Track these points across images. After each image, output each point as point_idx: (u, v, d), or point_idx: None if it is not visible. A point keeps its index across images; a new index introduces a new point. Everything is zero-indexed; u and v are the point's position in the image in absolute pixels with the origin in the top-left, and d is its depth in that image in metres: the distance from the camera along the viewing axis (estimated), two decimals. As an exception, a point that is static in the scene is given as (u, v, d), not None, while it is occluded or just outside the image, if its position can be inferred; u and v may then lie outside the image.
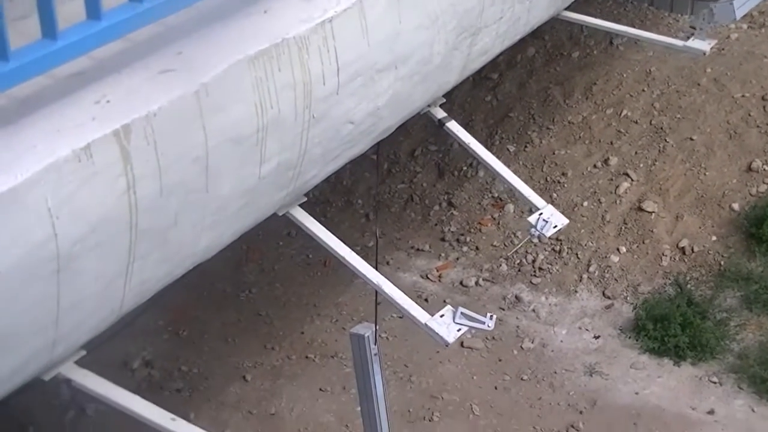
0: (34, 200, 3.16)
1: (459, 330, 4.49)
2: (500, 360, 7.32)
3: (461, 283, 7.93)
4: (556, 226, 5.22)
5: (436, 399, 7.01)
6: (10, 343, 3.31)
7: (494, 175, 6.02)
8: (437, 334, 4.45)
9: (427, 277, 7.98)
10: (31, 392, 6.80)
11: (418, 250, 8.23)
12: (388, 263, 7.94)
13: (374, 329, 4.62)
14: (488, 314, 4.53)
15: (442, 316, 4.52)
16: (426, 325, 4.50)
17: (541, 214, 5.25)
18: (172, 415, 3.61)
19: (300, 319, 7.67)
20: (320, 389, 7.06)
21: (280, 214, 4.45)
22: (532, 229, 5.31)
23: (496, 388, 7.09)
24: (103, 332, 3.75)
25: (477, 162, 8.25)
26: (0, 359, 3.30)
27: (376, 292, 4.72)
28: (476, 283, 7.93)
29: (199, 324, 7.62)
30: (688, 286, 7.55)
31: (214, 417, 6.83)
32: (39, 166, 3.16)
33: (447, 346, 4.51)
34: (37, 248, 3.21)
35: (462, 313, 4.51)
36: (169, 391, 7.03)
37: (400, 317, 7.34)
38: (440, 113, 5.41)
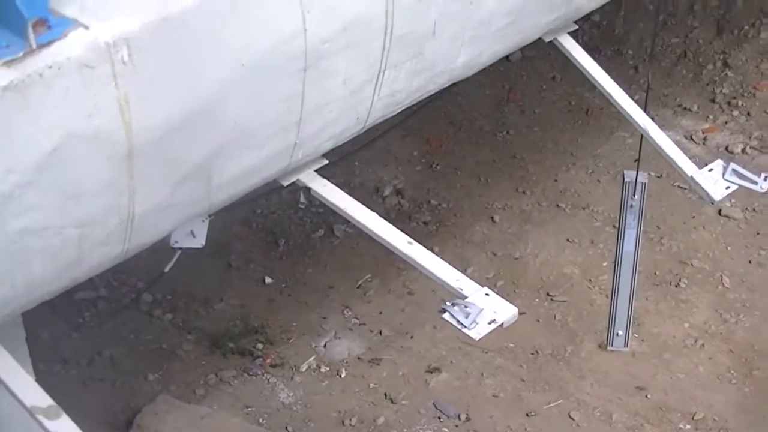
0: (286, -10, 2.82)
1: (728, 188, 3.94)
2: (758, 233, 6.67)
3: (726, 148, 7.27)
4: None
5: (685, 264, 6.46)
6: (252, 140, 3.03)
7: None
8: (703, 189, 3.92)
9: (692, 139, 7.35)
10: (284, 210, 6.74)
11: (685, 109, 7.58)
12: (652, 119, 7.32)
13: (635, 177, 4.10)
14: (763, 174, 3.95)
15: (710, 170, 3.98)
16: (692, 178, 3.97)
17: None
18: (409, 239, 3.25)
19: (555, 166, 7.20)
20: (567, 239, 6.63)
21: (546, 40, 3.97)
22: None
23: (750, 261, 6.48)
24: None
25: (761, 22, 7.50)
26: (242, 155, 3.03)
27: (641, 137, 4.19)
28: (743, 150, 7.25)
29: (454, 159, 7.28)
30: None
31: (458, 254, 6.53)
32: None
33: (713, 203, 3.97)
34: (285, 42, 2.89)
35: (733, 169, 3.95)
36: (416, 222, 6.77)
37: (658, 176, 6.80)
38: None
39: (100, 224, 2.70)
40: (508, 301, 6.08)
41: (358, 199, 6.70)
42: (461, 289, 3.07)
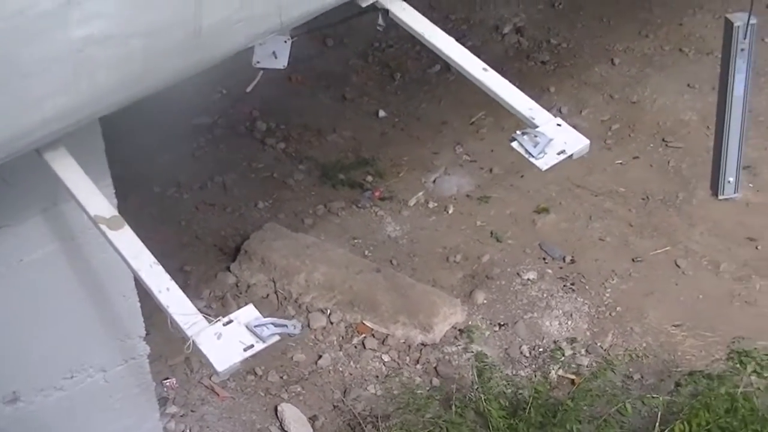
0: None
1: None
2: None
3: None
4: None
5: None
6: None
7: None
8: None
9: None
10: (402, 44, 6.65)
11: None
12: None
13: (748, 20, 3.85)
14: None
15: None
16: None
17: None
18: (485, 66, 3.14)
19: (680, 9, 6.90)
20: (688, 85, 6.39)
21: None
22: None
23: None
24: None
25: None
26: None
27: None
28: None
29: (577, -1, 7.05)
30: None
31: (574, 95, 6.37)
32: None
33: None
34: None
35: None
36: (534, 62, 6.61)
37: None
38: None
39: (165, 36, 2.69)
40: (623, 145, 5.98)
41: (476, 37, 6.65)
42: (533, 119, 2.94)
